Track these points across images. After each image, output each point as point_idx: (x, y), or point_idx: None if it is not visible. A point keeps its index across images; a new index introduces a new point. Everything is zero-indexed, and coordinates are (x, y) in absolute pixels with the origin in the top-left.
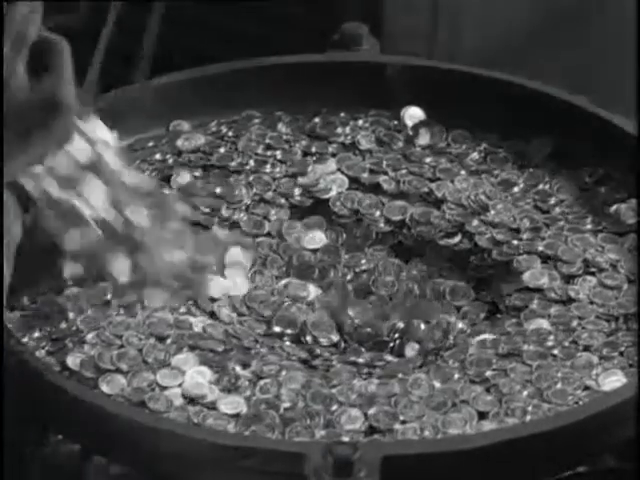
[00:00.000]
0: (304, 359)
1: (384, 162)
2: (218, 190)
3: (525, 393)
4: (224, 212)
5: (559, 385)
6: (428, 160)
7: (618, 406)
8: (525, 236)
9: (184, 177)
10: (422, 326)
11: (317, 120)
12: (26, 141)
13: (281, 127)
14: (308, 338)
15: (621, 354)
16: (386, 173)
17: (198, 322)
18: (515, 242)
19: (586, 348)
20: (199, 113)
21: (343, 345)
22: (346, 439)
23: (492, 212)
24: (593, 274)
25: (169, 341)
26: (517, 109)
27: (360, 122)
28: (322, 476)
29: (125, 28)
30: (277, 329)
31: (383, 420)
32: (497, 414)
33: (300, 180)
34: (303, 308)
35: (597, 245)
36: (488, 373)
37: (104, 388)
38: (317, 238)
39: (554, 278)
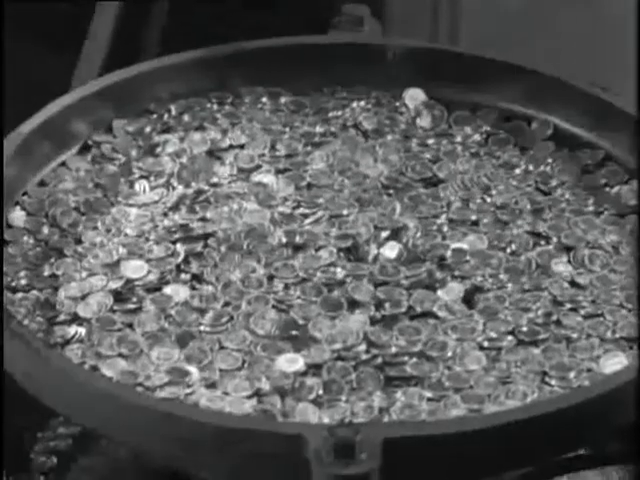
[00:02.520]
0: None
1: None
2: None
3: (526, 375)
4: None
5: (561, 367)
6: (430, 142)
7: (618, 389)
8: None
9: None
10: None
11: (318, 101)
12: None
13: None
14: None
15: (622, 338)
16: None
17: None
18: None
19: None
20: (197, 93)
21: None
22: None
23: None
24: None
25: None
26: (518, 91)
27: (362, 103)
28: (322, 458)
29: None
30: None
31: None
32: (497, 397)
33: None
34: None
35: (599, 227)
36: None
37: (104, 370)
38: None
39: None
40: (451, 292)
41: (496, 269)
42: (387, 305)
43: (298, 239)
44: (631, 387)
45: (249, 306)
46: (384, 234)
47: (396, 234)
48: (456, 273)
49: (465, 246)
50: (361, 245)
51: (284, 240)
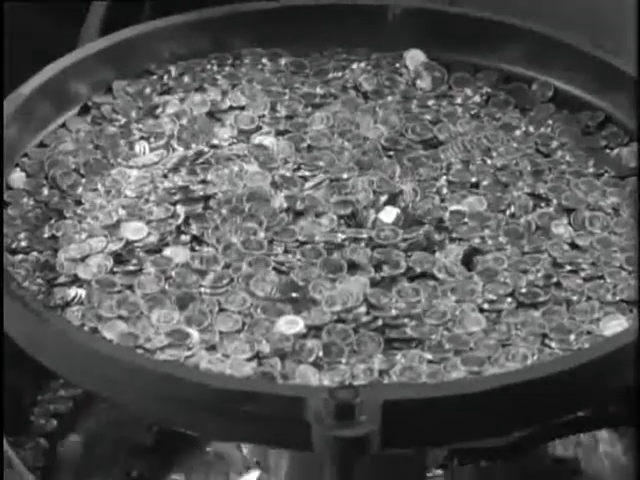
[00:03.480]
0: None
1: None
2: None
3: (526, 338)
4: None
5: (561, 330)
6: (430, 103)
7: (618, 351)
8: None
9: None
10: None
11: (318, 62)
12: None
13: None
14: None
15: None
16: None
17: None
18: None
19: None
20: (197, 54)
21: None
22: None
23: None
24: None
25: None
26: (518, 52)
27: (362, 65)
28: (322, 420)
29: None
30: None
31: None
32: (497, 359)
33: None
34: None
35: (599, 189)
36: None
37: (104, 332)
38: None
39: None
40: (450, 254)
41: (495, 231)
42: (386, 267)
43: (299, 205)
44: (631, 349)
45: (249, 268)
46: (383, 198)
47: (394, 198)
48: (454, 235)
49: (464, 208)
50: (360, 211)
51: (285, 205)
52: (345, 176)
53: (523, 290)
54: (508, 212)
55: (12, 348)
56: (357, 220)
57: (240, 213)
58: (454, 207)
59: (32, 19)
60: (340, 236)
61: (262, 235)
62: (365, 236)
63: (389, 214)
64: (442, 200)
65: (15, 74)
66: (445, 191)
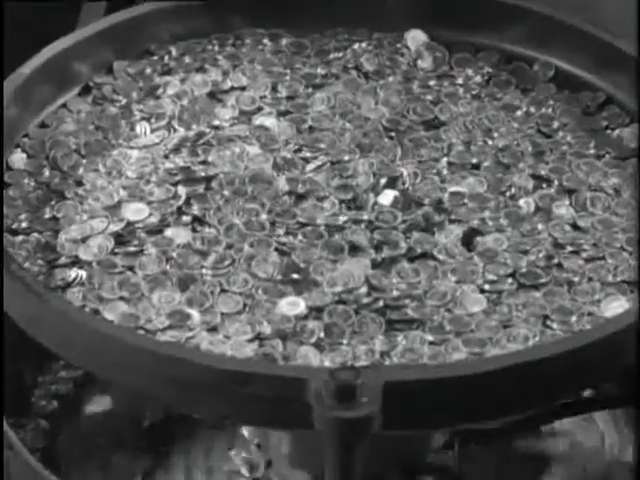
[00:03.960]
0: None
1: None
2: None
3: (527, 319)
4: None
5: (562, 311)
6: (431, 83)
7: (619, 333)
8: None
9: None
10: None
11: (319, 42)
12: None
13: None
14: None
15: (624, 281)
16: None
17: None
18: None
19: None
20: (198, 34)
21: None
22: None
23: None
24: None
25: None
26: (520, 32)
27: (363, 45)
28: (324, 402)
29: None
30: None
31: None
32: (499, 340)
33: None
34: None
35: (601, 169)
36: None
37: (105, 314)
38: None
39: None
40: (449, 235)
41: (494, 212)
42: (385, 248)
43: (300, 188)
44: (632, 331)
45: (251, 249)
46: (383, 181)
47: (394, 181)
48: (453, 216)
49: (463, 189)
50: (360, 195)
51: (287, 188)
52: (346, 158)
53: (524, 271)
54: (508, 194)
55: (13, 329)
56: (357, 203)
57: (242, 195)
58: (454, 188)
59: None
60: (341, 218)
61: (264, 217)
62: (365, 218)
63: (387, 197)
64: (442, 181)
65: (15, 55)
66: (445, 172)
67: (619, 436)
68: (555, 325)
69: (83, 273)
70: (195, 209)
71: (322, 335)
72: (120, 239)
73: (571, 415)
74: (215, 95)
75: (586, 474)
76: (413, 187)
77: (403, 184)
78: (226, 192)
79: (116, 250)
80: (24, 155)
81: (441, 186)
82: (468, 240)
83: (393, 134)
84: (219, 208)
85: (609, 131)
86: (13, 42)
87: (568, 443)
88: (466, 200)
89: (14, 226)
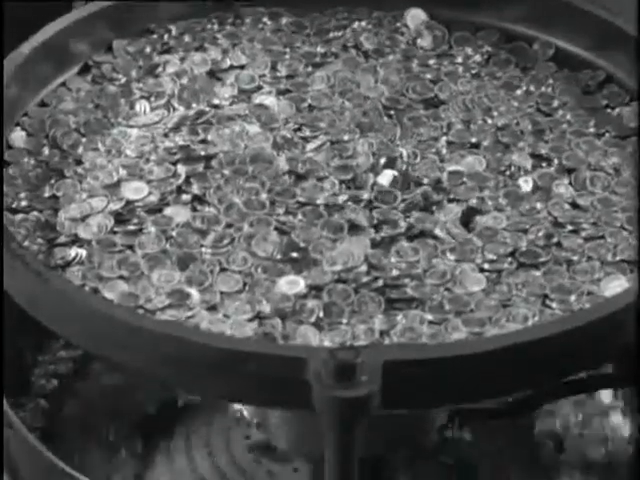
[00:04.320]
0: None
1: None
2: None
3: (527, 298)
4: None
5: (561, 290)
6: (431, 62)
7: (619, 312)
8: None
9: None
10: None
11: (320, 21)
12: None
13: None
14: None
15: (623, 260)
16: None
17: None
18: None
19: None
20: (198, 13)
21: None
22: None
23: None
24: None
25: None
26: (519, 11)
27: (363, 24)
28: (323, 381)
29: None
30: None
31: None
32: (498, 320)
33: None
34: None
35: (600, 148)
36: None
37: (105, 293)
38: None
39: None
40: (449, 214)
41: (494, 191)
42: (385, 227)
43: (300, 167)
44: (631, 310)
45: (251, 228)
46: (382, 161)
47: (393, 161)
48: (452, 196)
49: (462, 168)
50: (359, 175)
51: (287, 168)
52: (346, 138)
53: (523, 250)
54: (508, 173)
55: (13, 308)
56: (357, 183)
57: (243, 174)
58: (453, 167)
59: None
60: (341, 198)
61: (264, 196)
62: (365, 197)
63: (386, 177)
64: (441, 160)
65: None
66: (444, 151)
67: (620, 415)
68: (554, 304)
69: (83, 252)
70: (195, 188)
71: (321, 314)
72: (120, 218)
73: (571, 394)
74: (215, 74)
75: (586, 454)
76: (412, 167)
77: (402, 164)
78: (226, 171)
79: (116, 229)
80: (24, 134)
81: (440, 165)
82: (467, 219)
83: (392, 113)
84: (219, 187)
85: (609, 110)
86: (13, 42)
87: (568, 422)
88: (465, 179)
89: (14, 205)
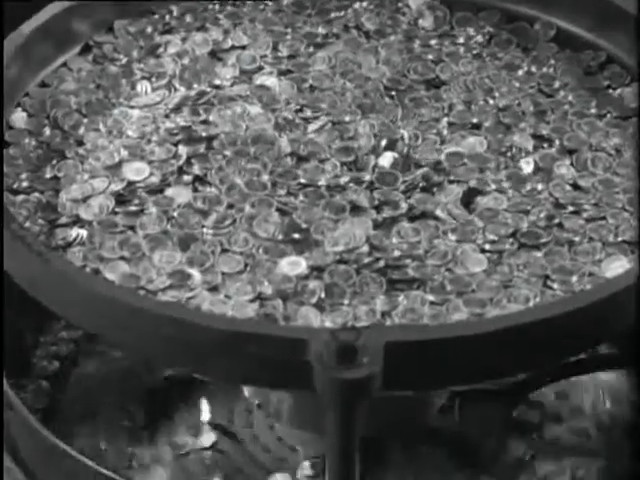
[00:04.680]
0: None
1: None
2: None
3: (528, 279)
4: None
5: (563, 271)
6: (432, 43)
7: (619, 293)
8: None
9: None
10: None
11: (321, 1)
12: None
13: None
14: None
15: (624, 241)
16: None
17: None
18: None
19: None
20: None
21: None
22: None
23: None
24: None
25: None
26: None
27: (364, 4)
28: (324, 362)
29: None
30: None
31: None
32: (499, 301)
33: None
34: None
35: (602, 129)
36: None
37: (106, 273)
38: None
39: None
40: (449, 195)
41: (495, 172)
42: (386, 208)
43: (302, 149)
44: (632, 291)
45: (252, 209)
46: (383, 143)
47: (394, 143)
48: (453, 177)
49: (463, 150)
50: (361, 157)
51: (289, 149)
52: (347, 119)
53: (524, 231)
54: (509, 154)
55: (13, 288)
56: (358, 165)
57: (245, 155)
58: (453, 149)
59: None
60: (342, 179)
61: (266, 177)
62: (367, 178)
63: (386, 158)
64: (442, 142)
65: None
66: (445, 132)
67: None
68: (556, 285)
69: (84, 233)
70: (196, 169)
71: (323, 296)
72: (121, 199)
73: (571, 376)
74: (216, 54)
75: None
76: (413, 148)
77: (403, 146)
78: (228, 152)
79: (117, 210)
80: (25, 114)
81: (441, 147)
82: (468, 200)
83: (394, 93)
84: (221, 168)
85: (610, 91)
86: (14, 23)
87: (569, 402)
88: (466, 160)
89: (15, 185)
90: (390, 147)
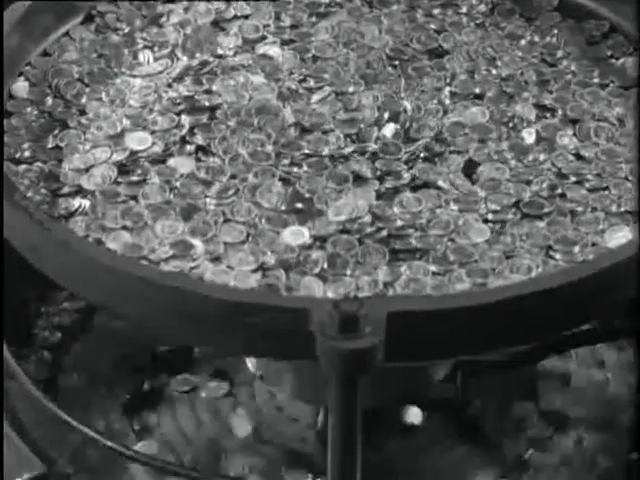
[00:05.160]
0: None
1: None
2: None
3: (531, 249)
4: None
5: (565, 241)
6: (435, 12)
7: (622, 264)
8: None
9: None
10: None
11: None
12: None
13: None
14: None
15: (627, 211)
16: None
17: None
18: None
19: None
20: None
21: None
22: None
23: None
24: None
25: None
26: None
27: None
28: (327, 332)
29: None
30: None
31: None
32: (502, 271)
33: None
34: None
35: (605, 99)
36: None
37: (108, 243)
38: None
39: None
40: (451, 165)
41: (497, 142)
42: (389, 178)
43: (306, 120)
44: (635, 261)
45: (256, 179)
46: (386, 115)
47: (397, 115)
48: (455, 147)
49: (465, 120)
50: (364, 129)
51: (293, 120)
52: (350, 90)
53: (527, 201)
54: (511, 124)
55: (15, 259)
56: (361, 137)
57: (248, 126)
58: (455, 119)
59: None
60: (346, 150)
61: (269, 148)
62: (370, 149)
63: (388, 129)
64: (445, 112)
65: None
66: (448, 102)
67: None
68: (558, 255)
69: (86, 202)
70: (199, 139)
71: (325, 266)
72: (123, 168)
73: (573, 347)
74: (218, 23)
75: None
76: (416, 120)
77: (406, 118)
78: (231, 122)
79: (119, 179)
80: (27, 84)
81: (443, 117)
82: (470, 171)
83: (397, 63)
84: (224, 138)
85: (613, 60)
86: None
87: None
88: (468, 131)
89: (17, 155)
90: (393, 119)
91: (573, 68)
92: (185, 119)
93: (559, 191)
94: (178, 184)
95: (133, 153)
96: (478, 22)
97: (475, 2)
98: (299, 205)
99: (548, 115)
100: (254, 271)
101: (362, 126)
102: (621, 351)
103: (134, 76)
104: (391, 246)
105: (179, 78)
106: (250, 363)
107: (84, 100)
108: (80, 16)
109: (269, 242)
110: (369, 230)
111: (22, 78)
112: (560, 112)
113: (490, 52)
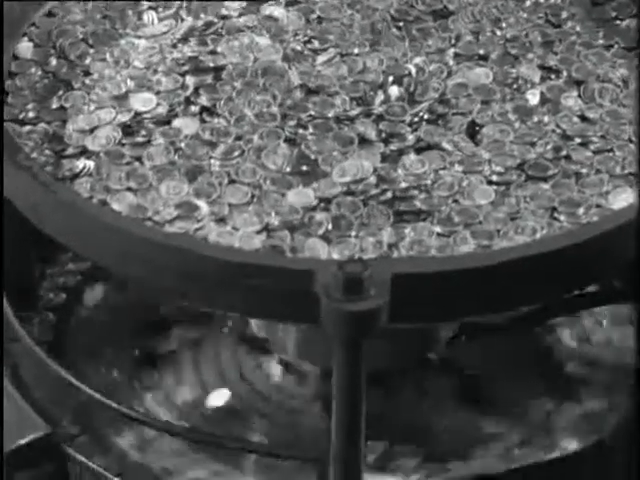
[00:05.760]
0: None
1: None
2: None
3: (535, 211)
4: None
5: (570, 203)
6: None
7: (626, 225)
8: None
9: None
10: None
11: None
12: None
13: None
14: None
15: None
16: None
17: None
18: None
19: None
20: None
21: None
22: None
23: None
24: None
25: None
26: None
27: None
28: (331, 294)
29: None
30: None
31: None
32: (507, 232)
33: None
34: None
35: (609, 60)
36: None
37: (113, 205)
38: None
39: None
40: (455, 127)
41: (501, 104)
42: (393, 140)
43: (312, 82)
44: (635, 223)
45: (261, 140)
46: (390, 78)
47: (402, 78)
48: (459, 109)
49: (469, 81)
50: (369, 91)
51: (298, 82)
52: (356, 51)
53: (532, 163)
54: (515, 85)
55: (15, 218)
56: (365, 99)
57: (254, 87)
58: (459, 80)
59: None
60: (351, 112)
61: (275, 109)
62: (374, 112)
63: (393, 92)
64: (449, 73)
65: None
66: (452, 63)
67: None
68: (563, 217)
69: (91, 164)
70: (204, 99)
71: (330, 227)
72: (128, 130)
73: (575, 310)
74: None
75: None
76: (420, 81)
77: (410, 80)
78: (237, 83)
79: (124, 141)
80: (31, 44)
81: (447, 78)
82: (474, 132)
83: (401, 24)
84: (230, 99)
85: (618, 21)
86: None
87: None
88: (472, 92)
89: (21, 116)
90: (397, 81)
91: (578, 29)
92: (190, 80)
93: (564, 153)
94: (183, 145)
95: (138, 114)
96: None
97: None
98: (304, 167)
99: (553, 76)
100: (259, 232)
101: (367, 89)
102: None
103: (139, 37)
104: (395, 208)
105: (184, 39)
106: (254, 325)
107: (88, 61)
108: None
109: (274, 203)
110: (374, 192)
111: (26, 38)
112: (565, 73)
113: (495, 13)
